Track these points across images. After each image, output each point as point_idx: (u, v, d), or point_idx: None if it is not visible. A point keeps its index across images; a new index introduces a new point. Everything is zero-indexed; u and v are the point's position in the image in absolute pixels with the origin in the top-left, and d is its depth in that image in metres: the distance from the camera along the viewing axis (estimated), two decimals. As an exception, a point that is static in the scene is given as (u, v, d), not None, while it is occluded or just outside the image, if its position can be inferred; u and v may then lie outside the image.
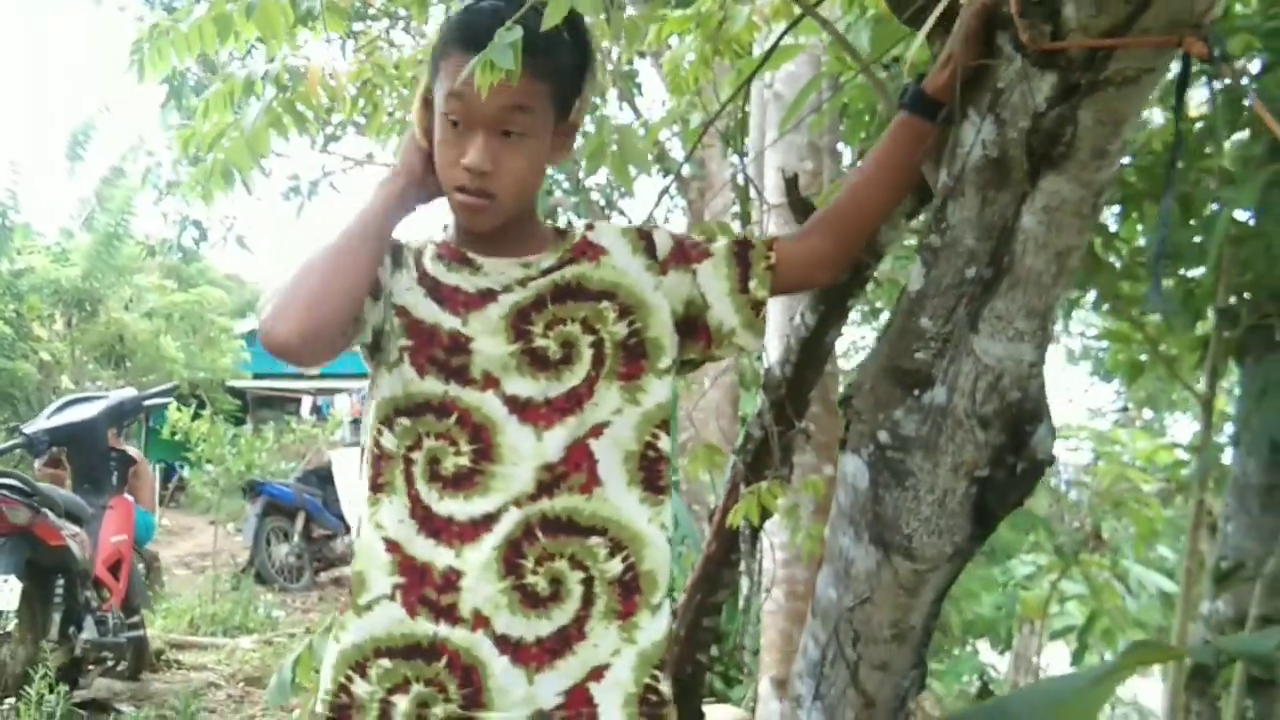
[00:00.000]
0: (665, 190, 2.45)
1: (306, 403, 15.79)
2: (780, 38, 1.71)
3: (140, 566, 4.82)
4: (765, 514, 2.42)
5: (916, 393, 1.23)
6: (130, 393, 4.80)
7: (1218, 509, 3.38)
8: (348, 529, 8.27)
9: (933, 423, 1.22)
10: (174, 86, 6.69)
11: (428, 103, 1.22)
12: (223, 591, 6.30)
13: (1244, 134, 2.37)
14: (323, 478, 8.79)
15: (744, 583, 2.70)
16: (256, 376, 16.85)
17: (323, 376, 17.61)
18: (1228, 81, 1.57)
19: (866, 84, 2.32)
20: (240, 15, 1.96)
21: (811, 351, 1.91)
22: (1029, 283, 1.14)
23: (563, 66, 1.19)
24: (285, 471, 9.57)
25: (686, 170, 5.47)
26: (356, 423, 14.41)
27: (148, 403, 4.71)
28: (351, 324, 1.16)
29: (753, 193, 3.27)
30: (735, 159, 4.69)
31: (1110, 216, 3.24)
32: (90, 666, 3.97)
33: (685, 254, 1.31)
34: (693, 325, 1.30)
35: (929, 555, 1.26)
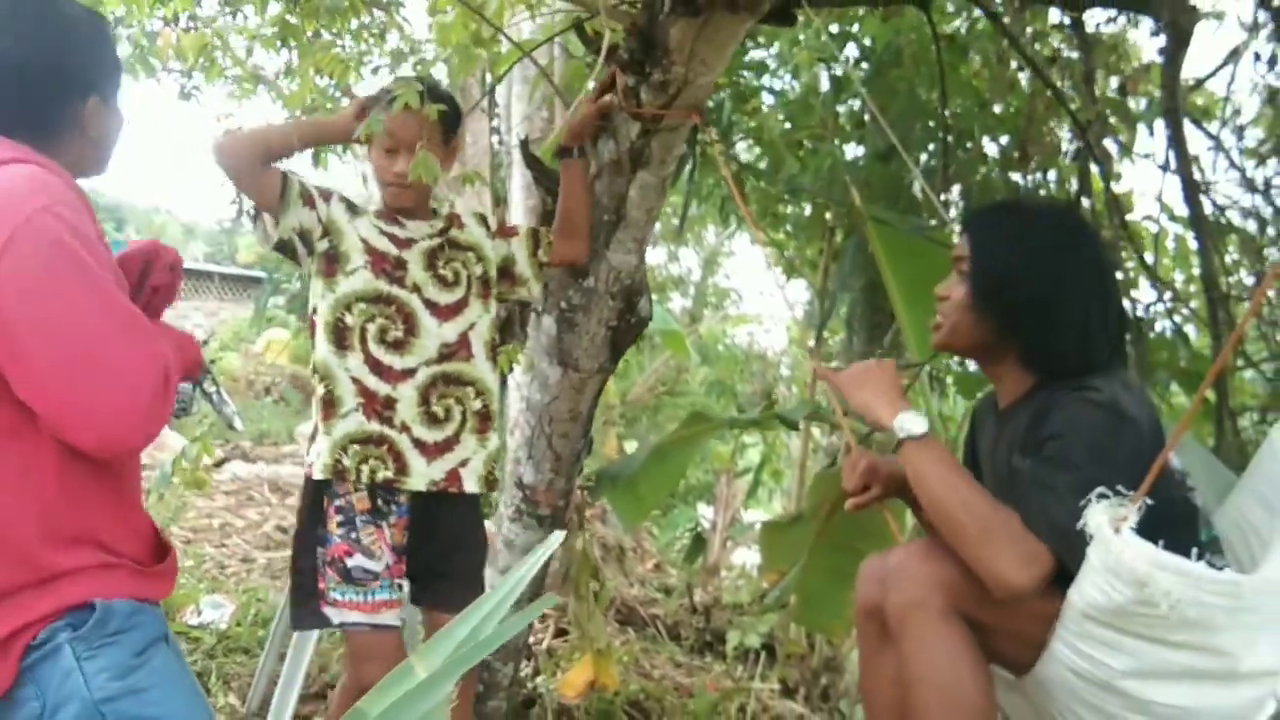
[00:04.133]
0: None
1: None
2: (499, 79, 2.65)
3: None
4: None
5: (580, 280, 2.29)
6: None
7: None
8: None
9: (587, 296, 2.28)
10: None
11: (369, 139, 1.98)
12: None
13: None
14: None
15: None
16: None
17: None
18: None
19: (580, 66, 3.33)
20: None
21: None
22: (633, 224, 2.22)
23: (444, 112, 1.95)
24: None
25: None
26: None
27: None
28: (264, 166, 1.90)
29: (503, 130, 4.23)
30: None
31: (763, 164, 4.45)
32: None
33: (505, 232, 2.26)
34: (507, 272, 2.23)
35: (586, 369, 2.34)
